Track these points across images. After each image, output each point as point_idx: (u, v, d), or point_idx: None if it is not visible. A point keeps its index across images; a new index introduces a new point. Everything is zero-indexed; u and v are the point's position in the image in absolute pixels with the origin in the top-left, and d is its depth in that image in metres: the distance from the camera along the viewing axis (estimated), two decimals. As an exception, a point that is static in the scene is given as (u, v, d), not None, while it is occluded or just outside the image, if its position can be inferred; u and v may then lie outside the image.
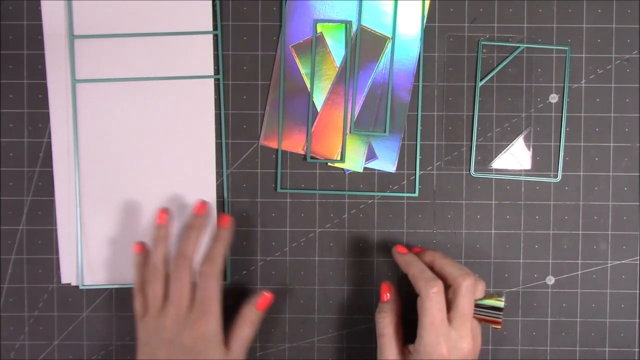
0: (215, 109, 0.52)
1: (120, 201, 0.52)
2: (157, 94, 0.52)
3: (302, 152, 0.53)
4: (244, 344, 0.48)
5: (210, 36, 0.52)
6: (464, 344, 0.45)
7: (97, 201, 0.52)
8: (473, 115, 0.53)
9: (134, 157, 0.52)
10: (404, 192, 0.53)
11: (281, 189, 0.53)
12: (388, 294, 0.49)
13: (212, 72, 0.52)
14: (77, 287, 0.53)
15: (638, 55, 0.52)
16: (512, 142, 0.53)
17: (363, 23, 0.52)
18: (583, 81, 0.53)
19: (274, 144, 0.53)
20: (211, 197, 0.52)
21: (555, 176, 0.53)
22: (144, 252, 0.50)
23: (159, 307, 0.47)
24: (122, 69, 0.52)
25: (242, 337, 0.48)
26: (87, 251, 0.52)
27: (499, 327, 0.46)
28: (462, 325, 0.45)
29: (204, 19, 0.52)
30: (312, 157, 0.53)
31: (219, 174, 0.53)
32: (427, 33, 0.52)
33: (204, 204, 0.51)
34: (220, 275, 0.48)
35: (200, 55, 0.52)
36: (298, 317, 0.53)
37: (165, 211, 0.50)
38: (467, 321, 0.45)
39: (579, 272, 0.53)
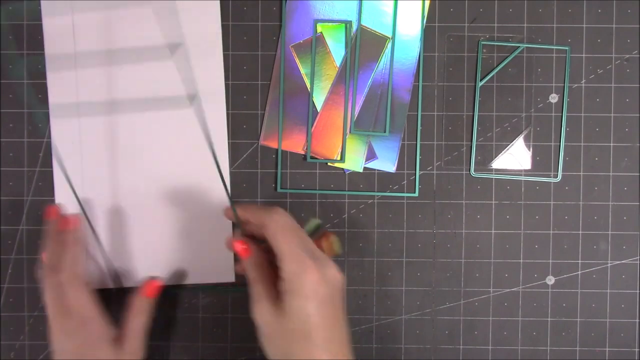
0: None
1: (128, 202, 0.52)
2: (164, 91, 0.52)
3: (302, 152, 0.53)
4: (138, 334, 0.47)
5: (219, 32, 0.52)
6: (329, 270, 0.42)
7: (103, 203, 0.52)
8: (473, 115, 0.53)
9: (142, 158, 0.52)
10: (404, 192, 0.53)
11: (281, 189, 0.53)
12: (245, 254, 0.45)
13: (222, 70, 0.52)
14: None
15: (638, 55, 0.52)
16: (512, 142, 0.53)
17: (363, 23, 0.52)
18: (583, 81, 0.53)
19: (274, 144, 0.53)
20: (223, 197, 0.52)
21: (555, 176, 0.53)
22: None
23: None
24: (124, 68, 0.52)
25: (135, 328, 0.47)
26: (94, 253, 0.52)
27: (334, 240, 0.47)
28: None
29: (212, 19, 0.52)
30: (312, 157, 0.53)
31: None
32: (427, 33, 0.52)
33: (51, 208, 0.50)
34: (82, 278, 0.47)
35: (208, 51, 0.52)
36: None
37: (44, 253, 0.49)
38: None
39: (579, 272, 0.53)
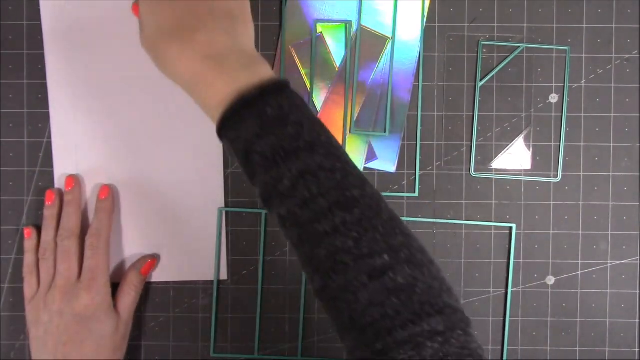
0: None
1: (125, 201, 0.52)
2: (162, 91, 0.52)
3: (302, 152, 0.53)
4: (131, 307, 0.51)
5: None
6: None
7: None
8: (473, 115, 0.53)
9: (141, 158, 0.52)
10: (404, 192, 0.53)
11: (281, 189, 0.53)
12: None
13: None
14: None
15: (638, 55, 0.52)
16: (512, 142, 0.53)
17: (363, 23, 0.52)
18: (583, 81, 0.53)
19: (274, 144, 0.53)
20: (220, 196, 0.52)
21: (555, 176, 0.53)
22: (33, 236, 0.51)
23: (50, 283, 0.49)
24: (123, 68, 0.52)
25: (129, 301, 0.51)
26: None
27: None
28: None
29: None
30: (312, 157, 0.53)
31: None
32: (427, 33, 0.52)
33: (70, 178, 0.51)
34: (106, 245, 0.50)
35: None
36: (298, 317, 0.53)
37: (53, 192, 0.51)
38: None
39: (579, 272, 0.53)
